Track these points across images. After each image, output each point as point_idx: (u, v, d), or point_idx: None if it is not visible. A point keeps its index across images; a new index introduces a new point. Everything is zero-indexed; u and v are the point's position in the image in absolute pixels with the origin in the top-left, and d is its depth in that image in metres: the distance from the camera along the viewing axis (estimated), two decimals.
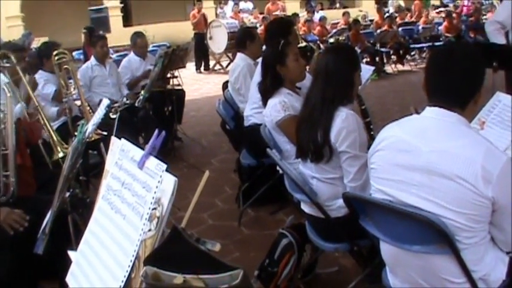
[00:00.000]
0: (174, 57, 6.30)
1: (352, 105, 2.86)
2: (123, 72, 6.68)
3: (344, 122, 2.67)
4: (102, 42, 6.32)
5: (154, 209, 1.24)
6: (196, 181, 5.33)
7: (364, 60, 11.96)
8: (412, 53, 13.81)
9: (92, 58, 6.31)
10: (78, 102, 5.76)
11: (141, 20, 20.11)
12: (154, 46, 12.07)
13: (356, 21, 12.61)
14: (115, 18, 17.60)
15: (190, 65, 13.93)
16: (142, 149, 1.44)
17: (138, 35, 6.99)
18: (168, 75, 6.64)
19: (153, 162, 1.35)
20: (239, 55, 5.23)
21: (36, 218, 2.71)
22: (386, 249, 2.22)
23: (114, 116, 5.77)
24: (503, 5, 4.70)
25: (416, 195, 1.99)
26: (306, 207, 2.98)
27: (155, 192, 1.26)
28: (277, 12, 14.99)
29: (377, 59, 11.98)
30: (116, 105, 5.85)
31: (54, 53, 4.75)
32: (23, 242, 2.81)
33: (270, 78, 3.57)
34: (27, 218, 2.80)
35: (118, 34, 14.95)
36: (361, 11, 16.72)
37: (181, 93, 7.09)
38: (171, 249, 1.18)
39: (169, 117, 6.71)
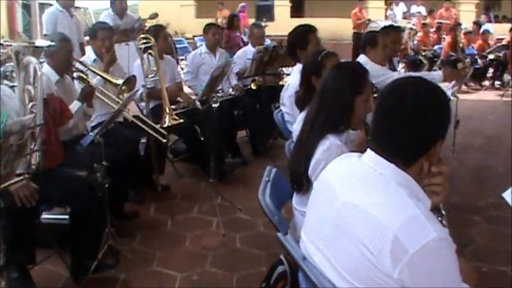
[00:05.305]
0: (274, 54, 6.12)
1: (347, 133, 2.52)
2: (236, 62, 6.53)
3: (325, 153, 2.33)
4: (215, 30, 6.21)
5: None
6: None
7: None
8: None
9: (203, 45, 6.24)
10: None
11: (312, 11, 19.82)
12: None
13: None
14: (281, 8, 17.66)
15: None
16: None
17: (255, 26, 6.98)
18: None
19: None
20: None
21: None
22: None
23: (214, 106, 5.74)
24: None
25: (322, 252, 1.64)
26: None
27: None
28: (441, 21, 13.95)
29: None
30: (217, 95, 5.82)
31: (141, 36, 4.78)
32: (26, 212, 3.00)
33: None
34: (37, 197, 2.98)
35: (283, 24, 14.67)
36: None
37: None
38: None
39: None
